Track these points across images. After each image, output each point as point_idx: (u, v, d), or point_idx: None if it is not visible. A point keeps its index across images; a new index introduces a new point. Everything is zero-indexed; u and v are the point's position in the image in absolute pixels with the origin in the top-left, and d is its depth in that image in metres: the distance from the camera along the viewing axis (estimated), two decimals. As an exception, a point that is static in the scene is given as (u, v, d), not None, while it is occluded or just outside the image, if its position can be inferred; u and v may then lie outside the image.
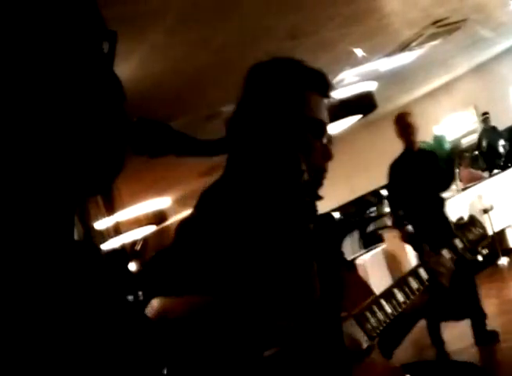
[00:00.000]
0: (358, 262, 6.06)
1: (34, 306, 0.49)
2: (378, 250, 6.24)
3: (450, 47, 6.64)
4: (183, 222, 1.23)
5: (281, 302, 1.14)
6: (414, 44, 5.95)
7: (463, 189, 6.86)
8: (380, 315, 1.28)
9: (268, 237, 1.19)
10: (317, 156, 1.26)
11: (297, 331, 1.12)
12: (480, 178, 7.28)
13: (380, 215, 10.24)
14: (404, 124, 4.54)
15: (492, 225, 6.08)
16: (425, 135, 8.34)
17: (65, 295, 0.52)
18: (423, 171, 4.53)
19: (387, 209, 7.09)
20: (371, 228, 9.67)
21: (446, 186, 4.69)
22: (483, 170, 8.18)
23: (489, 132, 8.87)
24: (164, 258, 1.19)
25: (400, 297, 1.34)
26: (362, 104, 5.68)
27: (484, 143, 8.74)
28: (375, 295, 1.33)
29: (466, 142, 9.41)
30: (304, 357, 1.11)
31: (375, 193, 10.99)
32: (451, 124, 9.89)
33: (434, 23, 5.45)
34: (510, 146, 8.72)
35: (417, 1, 4.71)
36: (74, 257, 0.56)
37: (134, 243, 8.22)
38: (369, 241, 7.82)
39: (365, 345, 1.22)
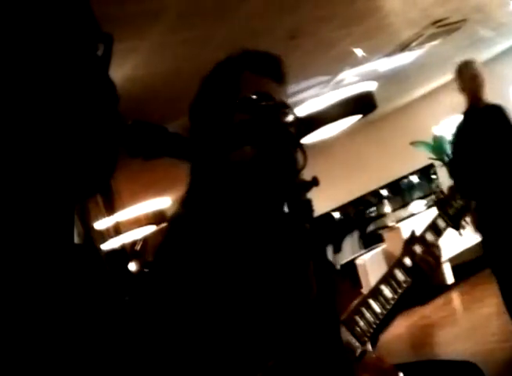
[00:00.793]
0: (358, 262, 6.06)
1: (33, 306, 0.49)
2: (378, 250, 6.24)
3: (450, 47, 6.64)
4: (174, 220, 1.22)
5: (278, 302, 1.14)
6: (414, 44, 5.95)
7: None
8: (369, 316, 1.25)
9: (264, 237, 1.19)
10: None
11: (296, 332, 1.12)
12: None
13: (380, 215, 10.25)
14: (469, 75, 3.72)
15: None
16: (425, 135, 8.35)
17: (64, 295, 0.52)
18: (493, 132, 3.68)
19: (387, 209, 7.09)
20: (371, 228, 9.67)
21: None
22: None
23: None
24: (161, 259, 1.18)
25: (388, 293, 1.30)
26: (362, 104, 5.67)
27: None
28: (363, 295, 1.30)
29: (466, 142, 9.41)
30: (303, 359, 1.11)
31: (375, 193, 11.00)
32: (451, 124, 9.89)
33: (434, 23, 5.45)
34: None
35: (417, 1, 4.71)
36: (74, 257, 0.56)
37: (134, 243, 8.22)
38: (369, 241, 7.82)
39: (358, 351, 1.20)
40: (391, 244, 6.09)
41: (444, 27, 5.67)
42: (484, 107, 3.77)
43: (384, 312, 1.26)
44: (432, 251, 1.40)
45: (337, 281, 1.33)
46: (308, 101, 5.35)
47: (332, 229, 10.15)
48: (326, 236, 9.03)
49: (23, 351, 0.46)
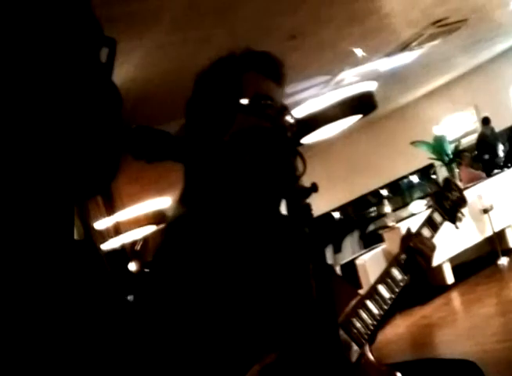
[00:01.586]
0: (358, 262, 6.05)
1: (33, 305, 0.49)
2: (378, 250, 6.23)
3: (450, 47, 6.64)
4: (173, 223, 1.21)
5: (278, 304, 1.14)
6: (414, 44, 5.95)
7: (463, 189, 6.84)
8: (366, 318, 1.23)
9: (263, 241, 1.19)
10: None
11: (294, 333, 1.12)
12: (480, 178, 7.27)
13: (380, 215, 10.25)
14: None
15: (492, 225, 6.08)
16: (425, 135, 8.35)
17: (64, 295, 0.52)
18: None
19: (387, 209, 7.08)
20: (371, 228, 9.67)
21: None
22: (482, 170, 8.18)
23: (488, 135, 8.85)
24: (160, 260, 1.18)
25: (385, 293, 1.29)
26: (362, 104, 5.67)
27: (482, 146, 8.73)
28: (360, 296, 1.28)
29: (466, 142, 9.41)
30: (303, 360, 1.11)
31: (375, 193, 11.01)
32: (451, 124, 9.90)
33: (434, 23, 5.45)
34: (510, 146, 8.72)
35: (417, 1, 4.71)
36: (74, 257, 0.56)
37: (134, 243, 8.22)
38: (369, 241, 7.81)
39: (355, 355, 1.20)
40: (391, 244, 6.09)
41: (444, 27, 5.67)
42: None
43: (382, 312, 1.24)
44: (426, 242, 1.37)
45: (336, 282, 1.32)
46: (308, 101, 5.35)
47: (332, 229, 10.15)
48: (325, 236, 9.03)
49: (23, 347, 0.47)
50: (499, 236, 6.33)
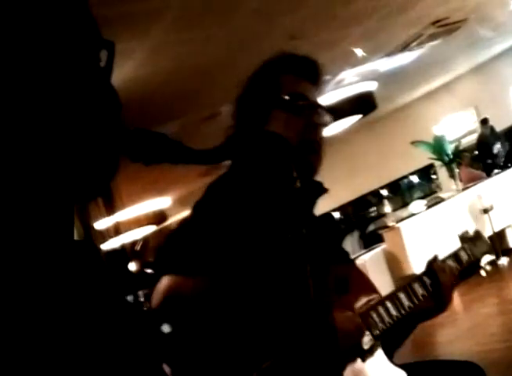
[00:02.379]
0: (358, 262, 6.05)
1: (33, 306, 0.49)
2: (378, 250, 6.23)
3: (450, 47, 6.64)
4: (198, 207, 1.26)
5: (276, 304, 1.14)
6: (414, 44, 5.95)
7: (463, 189, 6.85)
8: (384, 315, 1.29)
9: (263, 242, 1.20)
10: (301, 130, 1.31)
11: (292, 334, 1.12)
12: (480, 178, 7.27)
13: (380, 215, 10.25)
14: None
15: (492, 225, 6.08)
16: (425, 135, 8.35)
17: (64, 295, 0.52)
18: None
19: (387, 209, 7.08)
20: (371, 228, 9.67)
21: None
22: (482, 170, 8.18)
23: (488, 135, 8.84)
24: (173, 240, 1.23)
25: (405, 301, 1.35)
26: (362, 104, 5.68)
27: (482, 147, 8.73)
28: (380, 296, 1.34)
29: (466, 142, 9.41)
30: (299, 360, 1.11)
31: (375, 193, 11.01)
32: (451, 124, 9.89)
33: (434, 23, 5.45)
34: (510, 146, 8.71)
35: (417, 1, 4.71)
36: (74, 257, 0.56)
37: (134, 243, 8.23)
38: (369, 241, 7.81)
39: (369, 344, 1.23)
40: (391, 244, 6.09)
41: (444, 27, 5.67)
42: None
43: (399, 315, 1.31)
44: (447, 269, 1.46)
45: (349, 269, 1.39)
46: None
47: (332, 229, 10.13)
48: (325, 236, 9.03)
49: (23, 347, 0.46)
50: (499, 236, 6.34)
